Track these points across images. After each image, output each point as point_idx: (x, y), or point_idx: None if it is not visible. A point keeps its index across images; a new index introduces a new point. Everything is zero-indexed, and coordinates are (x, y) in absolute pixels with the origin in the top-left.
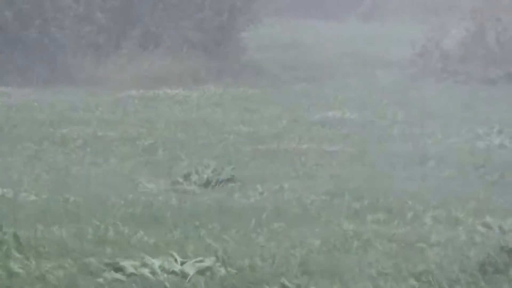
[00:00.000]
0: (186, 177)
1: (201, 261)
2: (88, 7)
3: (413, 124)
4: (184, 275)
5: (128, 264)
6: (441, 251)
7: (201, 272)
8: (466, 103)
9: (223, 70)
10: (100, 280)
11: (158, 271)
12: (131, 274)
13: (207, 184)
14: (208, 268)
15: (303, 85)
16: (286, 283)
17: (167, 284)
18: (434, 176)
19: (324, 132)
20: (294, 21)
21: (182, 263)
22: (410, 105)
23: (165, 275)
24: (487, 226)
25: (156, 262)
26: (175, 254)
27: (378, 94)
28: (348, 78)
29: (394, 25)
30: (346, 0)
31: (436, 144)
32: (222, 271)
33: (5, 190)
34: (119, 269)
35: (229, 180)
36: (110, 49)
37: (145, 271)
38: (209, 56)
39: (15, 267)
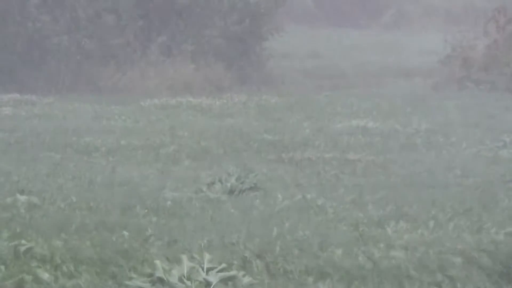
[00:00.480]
0: (210, 185)
1: (225, 269)
2: (116, 17)
3: (437, 132)
4: (208, 283)
5: (152, 272)
6: (464, 260)
7: (224, 281)
8: (489, 112)
9: (246, 79)
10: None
11: (183, 279)
12: (156, 282)
13: (230, 192)
14: (231, 277)
15: (326, 94)
16: None
17: None
18: (458, 184)
19: (348, 141)
20: (317, 30)
21: (207, 271)
22: (434, 114)
23: (189, 283)
24: (510, 235)
25: (180, 270)
26: (199, 262)
27: (401, 103)
28: (371, 87)
29: (417, 34)
30: (369, 9)
31: (459, 152)
32: (246, 280)
33: (30, 198)
34: (144, 276)
35: (252, 188)
36: (134, 58)
37: (170, 279)
38: (232, 64)
39: (44, 276)
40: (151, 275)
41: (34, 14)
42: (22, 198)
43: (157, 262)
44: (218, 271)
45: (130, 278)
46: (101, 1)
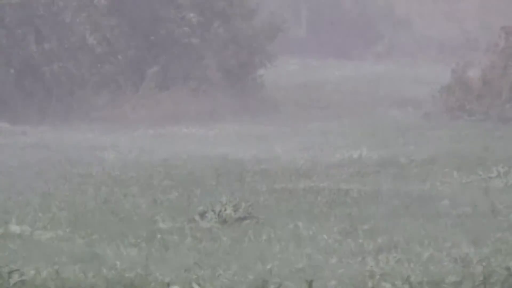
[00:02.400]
0: (202, 215)
1: None
2: (108, 46)
3: (429, 162)
4: None
5: None
6: None
7: None
8: (482, 142)
9: (240, 108)
10: None
11: None
12: None
13: (223, 222)
14: None
15: (319, 123)
16: None
17: None
18: (450, 215)
19: (340, 170)
20: (311, 61)
21: None
22: (426, 144)
23: None
24: (504, 267)
25: None
26: None
27: (393, 133)
28: (364, 117)
29: (409, 64)
30: (362, 40)
31: (451, 183)
32: None
33: (22, 227)
34: None
35: (245, 218)
36: (128, 87)
37: None
38: (226, 94)
39: None
40: None
41: (24, 43)
42: (14, 227)
43: None
44: None
45: None
46: (91, 30)
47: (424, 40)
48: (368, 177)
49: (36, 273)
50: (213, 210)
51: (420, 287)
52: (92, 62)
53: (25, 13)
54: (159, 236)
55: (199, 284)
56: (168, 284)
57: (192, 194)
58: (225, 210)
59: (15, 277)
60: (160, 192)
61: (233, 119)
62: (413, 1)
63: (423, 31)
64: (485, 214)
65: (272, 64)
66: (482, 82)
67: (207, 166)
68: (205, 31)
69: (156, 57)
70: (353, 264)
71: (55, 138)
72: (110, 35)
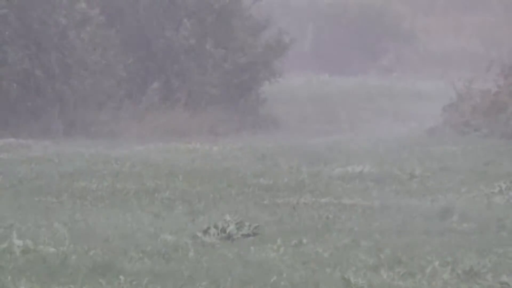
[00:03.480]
0: (206, 230)
1: None
2: (110, 61)
3: (432, 178)
4: None
5: None
6: None
7: None
8: (485, 157)
9: (242, 123)
10: None
11: None
12: None
13: (226, 237)
14: None
15: (322, 139)
16: None
17: None
18: (453, 230)
19: (343, 185)
20: (314, 75)
21: None
22: (429, 159)
23: None
24: (504, 283)
25: None
26: None
27: (397, 147)
28: (367, 131)
29: (414, 79)
30: (366, 54)
31: (455, 198)
32: None
33: (25, 242)
34: None
35: (248, 233)
36: (130, 102)
37: None
38: (228, 109)
39: None
40: None
41: (26, 59)
42: (18, 242)
43: None
44: None
45: None
46: (92, 45)
47: (428, 55)
48: (371, 192)
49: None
50: (215, 227)
51: None
52: (94, 78)
53: (27, 28)
54: (162, 250)
55: None
56: None
57: (195, 209)
58: (228, 226)
59: None
60: (163, 207)
61: (236, 134)
62: (418, 16)
63: (428, 46)
64: (489, 229)
65: (275, 79)
66: (486, 98)
67: (209, 181)
68: (207, 46)
69: (158, 72)
70: (356, 277)
71: (58, 153)
72: (111, 51)
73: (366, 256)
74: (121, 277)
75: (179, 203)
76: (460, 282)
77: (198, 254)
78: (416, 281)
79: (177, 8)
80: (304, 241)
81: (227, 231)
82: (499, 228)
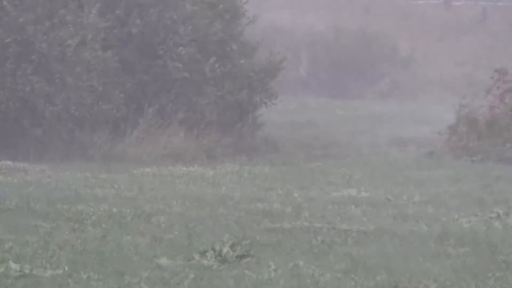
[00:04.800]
0: (202, 253)
1: None
2: (107, 85)
3: (429, 202)
4: None
5: None
6: None
7: None
8: (483, 182)
9: (239, 147)
10: None
11: None
12: None
13: (223, 260)
14: None
15: (319, 163)
16: None
17: None
18: (450, 255)
19: (339, 210)
20: (311, 99)
21: None
22: (426, 184)
23: None
24: None
25: None
26: None
27: (393, 172)
28: (364, 156)
29: (411, 103)
30: (363, 79)
31: (452, 223)
32: None
33: (21, 265)
34: None
35: (245, 256)
36: (126, 126)
37: None
38: (225, 133)
39: None
40: None
41: (24, 81)
42: (14, 266)
43: None
44: None
45: None
46: (89, 67)
47: (426, 80)
48: (367, 217)
49: None
50: (213, 249)
51: None
52: (91, 100)
53: (26, 50)
54: (159, 275)
55: None
56: None
57: (192, 233)
58: (225, 248)
59: None
60: (160, 230)
61: (232, 158)
62: (416, 40)
63: (425, 71)
64: (486, 254)
65: (272, 103)
66: (483, 122)
67: (206, 205)
68: (203, 68)
69: (154, 96)
70: None
71: (55, 176)
72: (108, 73)
73: (362, 280)
74: None
75: (175, 227)
76: None
77: (195, 280)
78: None
79: (175, 35)
80: (301, 264)
81: (223, 254)
82: (496, 253)
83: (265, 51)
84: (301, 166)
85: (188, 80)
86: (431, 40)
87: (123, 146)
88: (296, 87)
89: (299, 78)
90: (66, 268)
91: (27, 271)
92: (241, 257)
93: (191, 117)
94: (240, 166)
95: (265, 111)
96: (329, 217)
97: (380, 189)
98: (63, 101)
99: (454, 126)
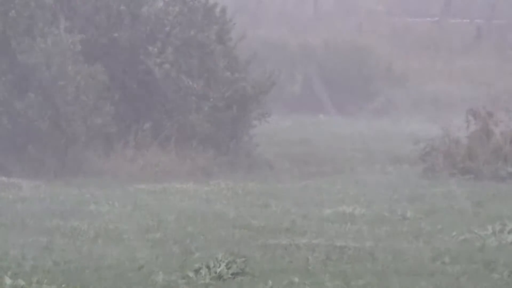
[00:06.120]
0: (197, 271)
1: None
2: (98, 99)
3: (423, 220)
4: None
5: None
6: None
7: None
8: (477, 200)
9: (233, 165)
10: None
11: None
12: None
13: (218, 278)
14: None
15: (313, 180)
16: None
17: None
18: (445, 272)
19: (334, 227)
20: (305, 117)
21: None
22: (420, 201)
23: None
24: None
25: None
26: None
27: (388, 190)
28: (358, 173)
29: (405, 121)
30: (358, 96)
31: (446, 240)
32: None
33: (17, 281)
34: None
35: (240, 274)
36: (120, 142)
37: None
38: (219, 150)
39: None
40: None
41: (19, 97)
42: (9, 281)
43: None
44: None
45: None
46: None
47: (420, 97)
48: (362, 234)
49: None
50: (207, 266)
51: None
52: (83, 117)
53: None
54: None
55: None
56: None
57: (186, 250)
58: (219, 266)
59: None
60: (155, 247)
61: (226, 175)
62: (410, 58)
63: (420, 88)
64: (480, 271)
65: (266, 120)
66: (476, 141)
67: (200, 222)
68: (195, 85)
69: (147, 112)
70: None
71: (49, 192)
72: (101, 88)
73: None
74: None
75: (170, 243)
76: None
77: None
78: None
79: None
80: (296, 281)
81: (218, 272)
82: (490, 270)
83: (258, 68)
84: (296, 183)
85: (180, 95)
86: (426, 58)
87: (117, 162)
88: (291, 104)
89: (294, 96)
90: (63, 285)
91: (22, 286)
92: (236, 274)
93: (185, 133)
94: (235, 183)
95: (260, 128)
96: (324, 234)
97: (375, 206)
98: (52, 117)
99: (446, 145)
